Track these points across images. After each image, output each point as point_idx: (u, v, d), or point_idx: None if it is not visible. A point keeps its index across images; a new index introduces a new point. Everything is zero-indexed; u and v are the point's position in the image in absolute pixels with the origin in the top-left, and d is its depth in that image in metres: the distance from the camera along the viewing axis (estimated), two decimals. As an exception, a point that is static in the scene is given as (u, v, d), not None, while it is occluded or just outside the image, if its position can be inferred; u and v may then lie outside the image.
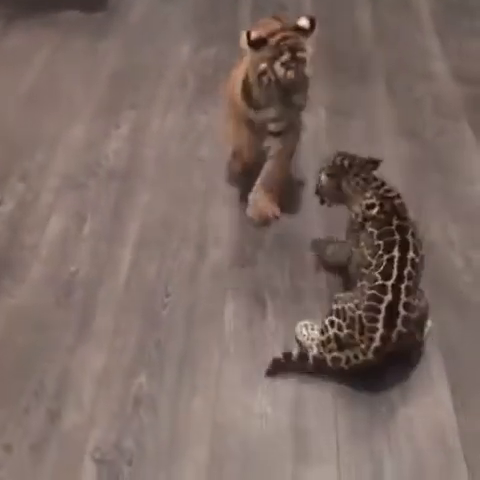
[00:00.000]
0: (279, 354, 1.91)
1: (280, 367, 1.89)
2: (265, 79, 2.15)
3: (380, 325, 1.80)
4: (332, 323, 1.88)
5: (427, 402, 1.84)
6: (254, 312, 2.07)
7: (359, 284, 1.91)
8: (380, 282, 1.83)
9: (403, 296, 1.82)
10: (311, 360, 1.88)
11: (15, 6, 3.52)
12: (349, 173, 2.04)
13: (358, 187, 2.02)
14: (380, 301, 1.81)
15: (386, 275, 1.83)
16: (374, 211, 1.95)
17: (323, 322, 1.91)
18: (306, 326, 1.96)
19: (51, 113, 2.87)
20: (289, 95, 2.18)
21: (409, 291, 1.83)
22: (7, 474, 1.69)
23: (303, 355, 1.89)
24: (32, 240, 2.30)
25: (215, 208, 2.44)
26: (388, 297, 1.81)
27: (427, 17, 3.48)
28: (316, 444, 1.75)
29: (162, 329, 2.02)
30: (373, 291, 1.83)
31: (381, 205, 1.95)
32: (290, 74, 2.13)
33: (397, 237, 1.88)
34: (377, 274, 1.85)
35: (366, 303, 1.83)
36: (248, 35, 2.12)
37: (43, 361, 1.93)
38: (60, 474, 1.70)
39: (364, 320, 1.82)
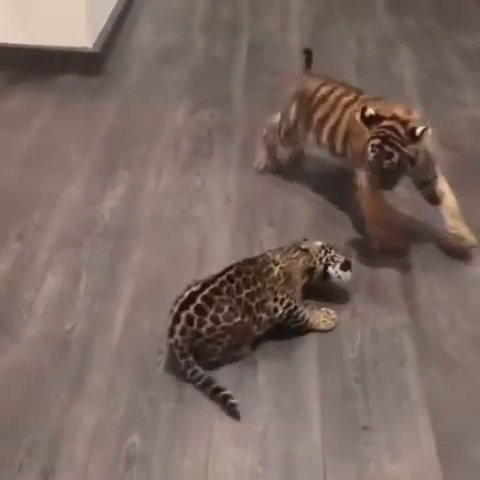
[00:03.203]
0: (268, 411, 1.97)
1: None
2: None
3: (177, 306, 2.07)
4: None
5: (414, 460, 1.88)
6: (244, 371, 2.11)
7: None
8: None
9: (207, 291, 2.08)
10: None
11: (16, 69, 3.63)
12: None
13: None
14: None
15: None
16: None
17: None
18: None
19: (49, 173, 2.95)
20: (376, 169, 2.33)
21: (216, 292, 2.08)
22: None
23: None
24: (29, 297, 2.35)
25: (208, 267, 2.49)
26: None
27: (411, 86, 3.62)
28: (306, 503, 1.78)
29: (155, 387, 2.06)
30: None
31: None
32: (371, 156, 2.31)
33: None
34: None
35: None
36: (363, 110, 2.32)
37: (37, 418, 1.96)
38: None
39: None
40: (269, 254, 2.25)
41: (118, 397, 2.02)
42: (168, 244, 2.61)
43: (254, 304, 2.11)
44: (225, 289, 2.09)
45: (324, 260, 2.28)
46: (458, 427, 1.96)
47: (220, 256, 2.54)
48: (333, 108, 2.66)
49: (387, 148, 2.27)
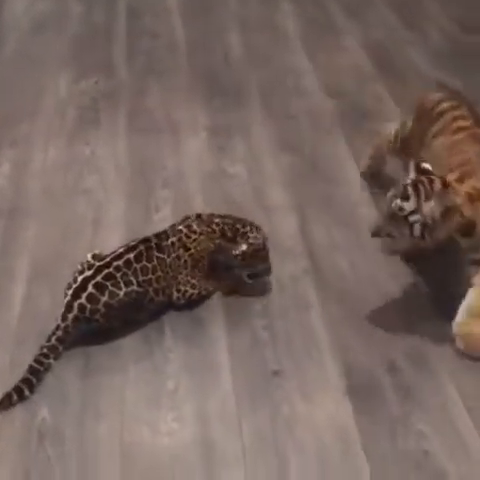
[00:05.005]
0: (178, 368, 1.98)
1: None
2: None
3: (70, 293, 2.03)
4: None
5: (326, 400, 1.92)
6: (150, 333, 2.10)
7: None
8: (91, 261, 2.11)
9: (100, 278, 2.02)
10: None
11: None
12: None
13: None
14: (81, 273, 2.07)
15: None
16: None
17: None
18: None
19: None
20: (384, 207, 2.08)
21: (109, 277, 2.03)
22: None
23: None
24: None
25: (104, 236, 2.45)
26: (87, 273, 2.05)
27: (295, 37, 3.64)
28: (223, 452, 1.79)
29: (60, 359, 2.00)
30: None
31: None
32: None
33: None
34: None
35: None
36: (418, 164, 2.08)
37: None
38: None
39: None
40: (183, 233, 2.17)
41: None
42: (61, 217, 2.55)
43: (151, 289, 2.08)
44: (120, 274, 2.03)
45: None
46: (365, 364, 2.01)
47: (116, 224, 2.51)
48: (445, 128, 2.28)
49: (409, 190, 1.99)
